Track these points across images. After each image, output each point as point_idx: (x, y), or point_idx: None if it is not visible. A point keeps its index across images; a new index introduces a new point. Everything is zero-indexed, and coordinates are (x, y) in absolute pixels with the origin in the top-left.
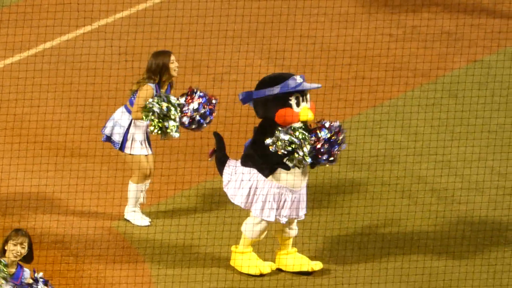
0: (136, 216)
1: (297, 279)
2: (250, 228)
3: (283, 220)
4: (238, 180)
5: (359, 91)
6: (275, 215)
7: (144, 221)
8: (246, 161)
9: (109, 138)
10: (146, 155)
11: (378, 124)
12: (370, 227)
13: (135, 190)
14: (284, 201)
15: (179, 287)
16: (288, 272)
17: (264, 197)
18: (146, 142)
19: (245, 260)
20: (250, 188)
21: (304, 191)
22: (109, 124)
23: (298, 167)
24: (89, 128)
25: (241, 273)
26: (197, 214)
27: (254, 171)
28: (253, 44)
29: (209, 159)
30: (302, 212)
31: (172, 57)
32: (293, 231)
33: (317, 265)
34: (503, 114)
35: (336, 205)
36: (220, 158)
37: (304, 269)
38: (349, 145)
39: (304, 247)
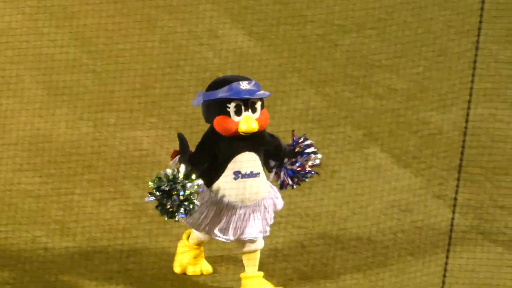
0: None
1: None
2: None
3: (213, 237)
4: None
5: None
6: (201, 225)
7: None
8: None
9: None
10: None
11: None
12: None
13: None
14: (221, 216)
15: None
16: None
17: (198, 205)
18: None
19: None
20: None
21: (264, 205)
22: None
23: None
24: None
25: None
26: None
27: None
28: None
29: (171, 161)
30: (252, 231)
31: None
32: (248, 246)
33: None
34: None
35: None
36: (182, 162)
37: None
38: None
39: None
